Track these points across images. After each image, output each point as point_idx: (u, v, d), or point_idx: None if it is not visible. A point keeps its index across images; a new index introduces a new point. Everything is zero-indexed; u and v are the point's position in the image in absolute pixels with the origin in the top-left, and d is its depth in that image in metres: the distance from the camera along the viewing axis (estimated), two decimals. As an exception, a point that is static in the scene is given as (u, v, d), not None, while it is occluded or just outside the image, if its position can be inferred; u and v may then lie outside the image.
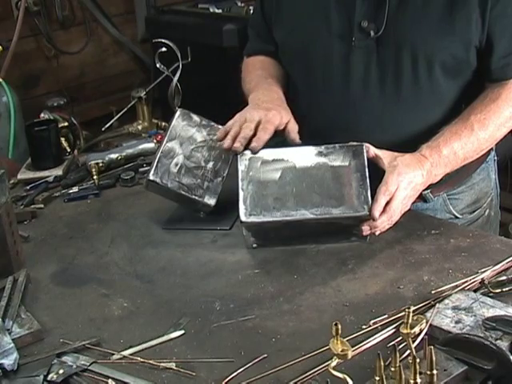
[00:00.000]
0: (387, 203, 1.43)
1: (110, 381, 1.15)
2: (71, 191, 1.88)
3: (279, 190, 1.48)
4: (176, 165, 1.63)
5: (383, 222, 1.45)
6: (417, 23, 1.53)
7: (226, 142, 1.54)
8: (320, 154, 1.50)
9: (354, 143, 1.50)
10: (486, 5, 1.50)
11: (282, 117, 1.56)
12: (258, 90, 1.69)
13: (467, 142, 1.52)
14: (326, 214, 1.45)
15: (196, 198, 1.63)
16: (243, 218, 1.46)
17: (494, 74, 1.57)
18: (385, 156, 1.49)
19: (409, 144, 1.54)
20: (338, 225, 1.48)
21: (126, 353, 1.23)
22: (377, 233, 1.47)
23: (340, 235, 1.51)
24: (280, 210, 1.46)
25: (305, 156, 1.50)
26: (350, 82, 1.61)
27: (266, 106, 1.58)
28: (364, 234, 1.47)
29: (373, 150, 1.49)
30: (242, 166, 1.50)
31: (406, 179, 1.45)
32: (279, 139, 1.59)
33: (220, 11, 3.27)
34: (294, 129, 1.57)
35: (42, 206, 1.82)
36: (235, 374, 1.15)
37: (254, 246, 1.53)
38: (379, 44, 1.57)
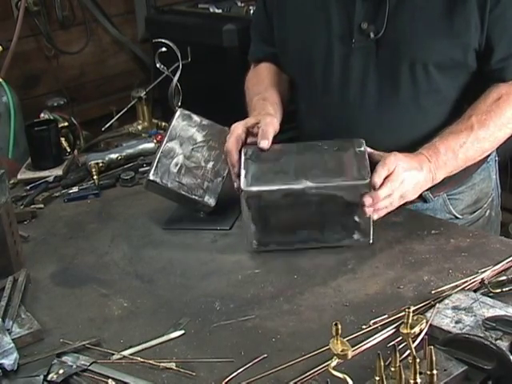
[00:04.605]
0: (387, 177, 1.41)
1: (109, 381, 1.15)
2: (71, 191, 1.88)
3: (281, 166, 1.49)
4: (176, 165, 1.63)
5: (384, 198, 1.41)
6: (416, 25, 1.53)
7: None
8: (319, 146, 1.53)
9: (353, 139, 1.51)
10: (485, 7, 1.50)
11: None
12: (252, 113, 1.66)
13: (466, 141, 1.52)
14: (326, 183, 1.44)
15: (196, 197, 1.63)
16: (244, 186, 1.45)
17: (494, 76, 1.57)
18: (381, 154, 1.48)
19: (408, 145, 1.53)
20: (339, 201, 1.45)
21: (126, 353, 1.23)
22: (375, 217, 1.43)
23: (342, 225, 1.48)
24: (281, 180, 1.46)
25: (304, 146, 1.54)
26: (349, 83, 1.61)
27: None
28: (366, 207, 1.41)
29: (369, 150, 1.49)
30: (243, 158, 1.52)
31: (405, 162, 1.43)
32: (283, 137, 1.59)
33: (220, 11, 3.26)
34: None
35: (42, 205, 1.82)
36: (235, 374, 1.15)
37: (254, 245, 1.52)
38: (378, 45, 1.57)
